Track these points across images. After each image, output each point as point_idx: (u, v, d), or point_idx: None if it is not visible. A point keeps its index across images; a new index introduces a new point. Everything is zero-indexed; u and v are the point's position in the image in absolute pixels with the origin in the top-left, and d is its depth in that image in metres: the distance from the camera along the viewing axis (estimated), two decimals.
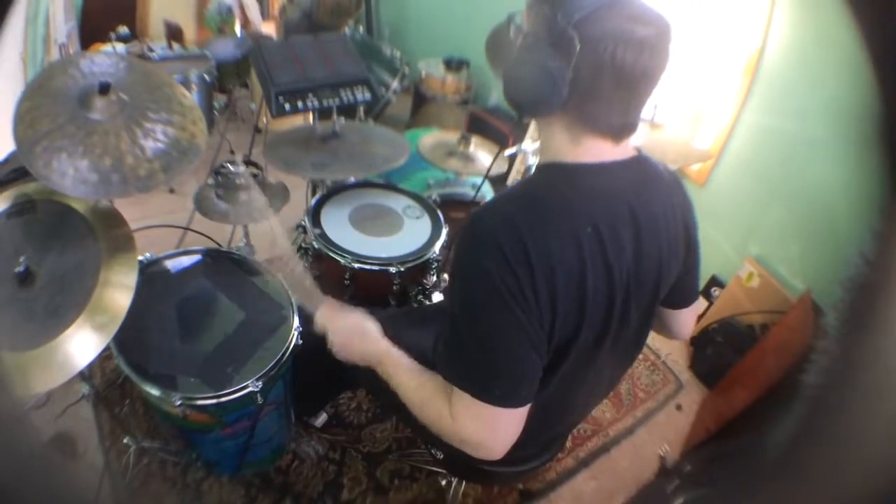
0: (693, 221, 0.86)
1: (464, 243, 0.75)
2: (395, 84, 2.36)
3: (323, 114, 1.55)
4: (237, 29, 3.44)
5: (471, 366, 0.75)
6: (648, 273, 0.80)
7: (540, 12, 0.67)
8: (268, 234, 1.02)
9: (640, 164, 0.79)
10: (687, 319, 1.00)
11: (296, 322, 1.19)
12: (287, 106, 1.44)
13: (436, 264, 1.54)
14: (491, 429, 0.75)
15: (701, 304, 1.03)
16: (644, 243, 0.77)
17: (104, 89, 1.02)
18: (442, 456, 1.08)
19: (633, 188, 0.77)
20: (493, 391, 0.73)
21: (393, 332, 1.04)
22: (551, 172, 0.77)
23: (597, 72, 0.66)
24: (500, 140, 2.37)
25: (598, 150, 0.74)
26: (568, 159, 0.75)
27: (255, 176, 1.56)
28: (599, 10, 0.64)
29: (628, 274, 0.76)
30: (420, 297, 1.56)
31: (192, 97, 1.18)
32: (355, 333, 0.97)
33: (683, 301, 0.96)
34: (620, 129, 0.73)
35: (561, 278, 0.69)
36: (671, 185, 0.83)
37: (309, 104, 1.47)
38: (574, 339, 0.75)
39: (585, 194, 0.74)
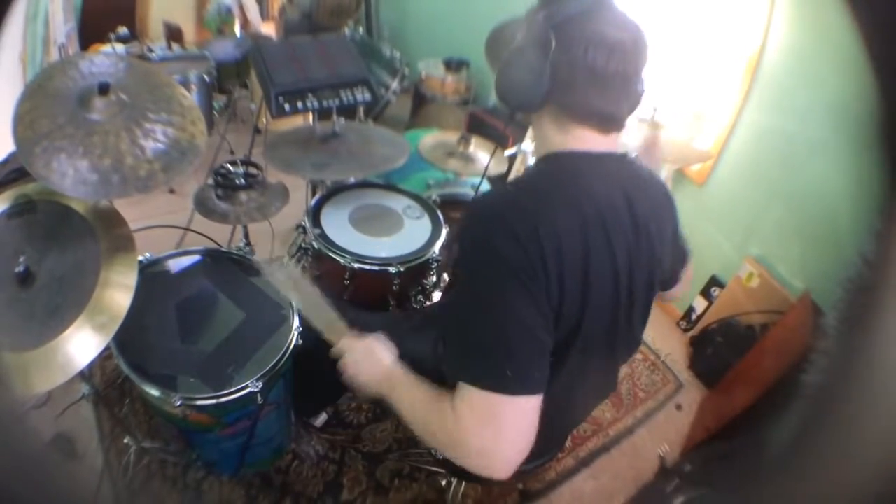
0: (677, 215, 0.90)
1: (470, 228, 0.76)
2: (394, 84, 2.36)
3: (323, 114, 1.55)
4: (237, 30, 3.43)
5: (479, 353, 0.72)
6: (646, 262, 0.81)
7: (531, 16, 0.75)
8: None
9: (630, 160, 0.85)
10: (682, 284, 1.02)
11: (296, 322, 1.19)
12: (287, 106, 1.44)
13: (436, 265, 1.54)
14: (500, 428, 0.70)
15: (692, 272, 1.05)
16: (641, 233, 0.79)
17: (104, 90, 1.02)
18: (442, 456, 1.08)
19: (628, 178, 0.82)
20: (504, 375, 0.69)
21: (389, 339, 1.03)
22: (550, 161, 0.81)
23: (572, 69, 0.73)
24: (499, 140, 2.37)
25: (585, 138, 0.79)
26: (561, 148, 0.79)
27: (254, 176, 1.56)
28: (579, 16, 0.72)
29: (629, 262, 0.78)
30: (420, 297, 1.56)
31: (191, 97, 1.18)
32: (366, 353, 0.92)
33: (673, 281, 0.99)
34: (603, 119, 0.78)
35: (568, 258, 0.71)
36: (657, 181, 0.88)
37: (309, 105, 1.47)
38: (577, 329, 0.75)
39: (586, 179, 0.77)
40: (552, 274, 0.70)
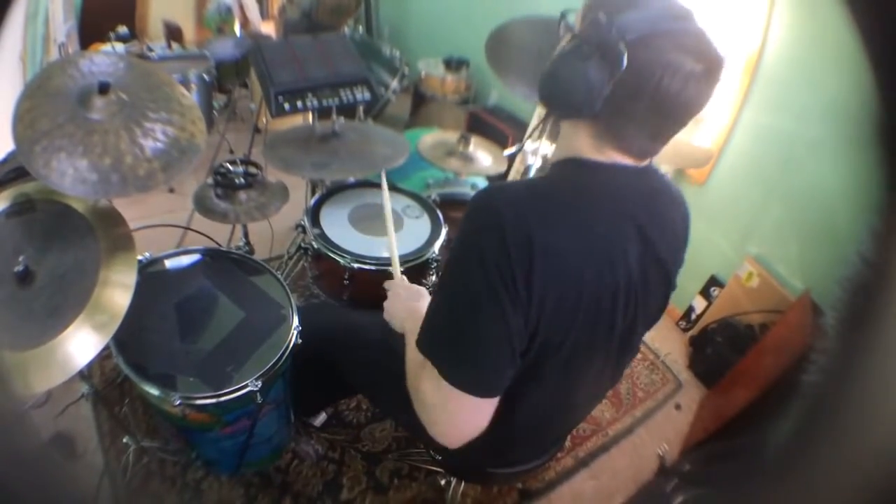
0: (688, 235, 0.86)
1: (470, 215, 0.72)
2: (394, 84, 2.36)
3: (322, 113, 1.54)
4: (236, 29, 3.44)
5: (439, 341, 0.75)
6: (657, 277, 0.79)
7: (595, 19, 0.65)
8: None
9: (652, 173, 0.79)
10: None
11: (295, 321, 1.19)
12: (286, 106, 1.44)
13: (435, 264, 1.54)
14: (451, 413, 0.74)
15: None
16: (654, 249, 0.77)
17: (103, 89, 1.02)
18: (441, 458, 1.08)
19: (648, 194, 0.77)
20: (455, 373, 0.71)
21: (386, 334, 1.04)
22: (571, 167, 0.75)
23: (636, 95, 0.65)
24: (499, 140, 2.37)
25: (615, 158, 0.73)
26: (585, 157, 0.74)
27: (254, 175, 1.56)
28: (655, 36, 0.63)
29: (635, 275, 0.75)
30: None
31: (191, 97, 1.18)
32: (407, 292, 1.05)
33: None
34: (644, 152, 0.74)
35: (557, 275, 0.68)
36: (676, 196, 0.84)
37: (308, 104, 1.46)
38: (565, 339, 0.74)
39: (603, 193, 0.73)
40: (535, 292, 0.67)
